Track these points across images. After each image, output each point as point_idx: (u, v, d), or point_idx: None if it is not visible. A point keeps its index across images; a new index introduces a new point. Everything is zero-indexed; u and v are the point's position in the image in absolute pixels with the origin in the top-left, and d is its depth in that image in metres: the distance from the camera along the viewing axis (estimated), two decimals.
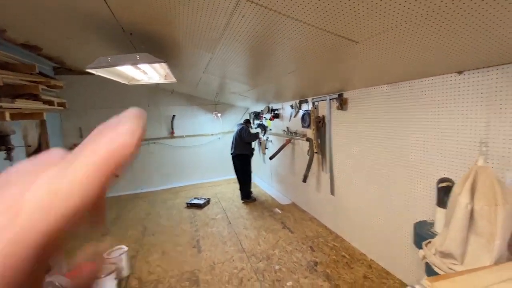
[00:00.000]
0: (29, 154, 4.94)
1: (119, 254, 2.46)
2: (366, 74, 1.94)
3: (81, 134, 5.32)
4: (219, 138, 6.06)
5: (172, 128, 5.67)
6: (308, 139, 3.41)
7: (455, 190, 1.18)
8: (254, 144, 5.25)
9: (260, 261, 2.62)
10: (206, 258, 2.73)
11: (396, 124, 2.05)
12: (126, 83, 2.95)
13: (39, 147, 4.98)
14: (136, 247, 3.01)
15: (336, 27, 1.28)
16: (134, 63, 1.92)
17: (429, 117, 1.77)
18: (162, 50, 2.50)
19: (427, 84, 1.76)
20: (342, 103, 2.66)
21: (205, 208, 4.14)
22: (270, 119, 4.62)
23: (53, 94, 4.02)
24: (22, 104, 2.99)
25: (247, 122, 4.67)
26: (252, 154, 4.48)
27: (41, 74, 3.56)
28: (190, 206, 4.22)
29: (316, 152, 3.23)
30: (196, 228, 3.42)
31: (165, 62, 1.94)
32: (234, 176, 4.51)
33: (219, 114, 5.79)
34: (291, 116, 3.92)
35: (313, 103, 3.24)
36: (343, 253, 2.66)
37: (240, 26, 1.51)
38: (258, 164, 5.78)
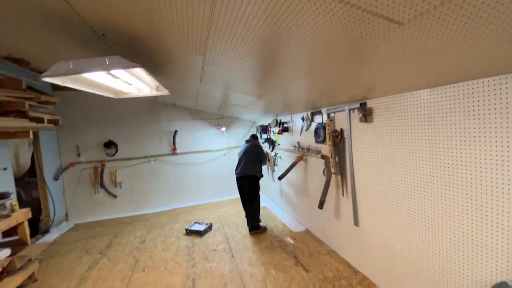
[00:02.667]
0: (21, 174, 4.65)
1: None
2: (403, 73, 1.45)
3: (79, 153, 5.03)
4: (224, 154, 5.62)
5: (174, 144, 5.29)
6: (323, 157, 2.90)
7: None
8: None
9: None
10: None
11: (443, 140, 1.53)
12: (112, 96, 2.58)
13: (32, 166, 4.70)
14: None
15: (375, 1, 0.83)
16: (104, 68, 1.52)
17: (498, 131, 1.24)
18: (150, 57, 2.12)
19: (491, 85, 1.25)
20: (366, 114, 2.16)
21: (206, 236, 3.63)
22: (279, 133, 4.14)
23: (47, 110, 3.73)
24: (1, 122, 2.68)
25: (254, 137, 4.10)
26: (262, 176, 3.83)
27: (31, 89, 3.28)
28: (190, 232, 3.72)
29: (334, 173, 2.71)
30: (193, 263, 2.91)
31: (141, 66, 1.53)
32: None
33: (223, 129, 5.38)
34: (302, 130, 3.43)
35: (328, 115, 2.76)
36: None
37: (229, 11, 1.08)
38: (267, 182, 5.26)
